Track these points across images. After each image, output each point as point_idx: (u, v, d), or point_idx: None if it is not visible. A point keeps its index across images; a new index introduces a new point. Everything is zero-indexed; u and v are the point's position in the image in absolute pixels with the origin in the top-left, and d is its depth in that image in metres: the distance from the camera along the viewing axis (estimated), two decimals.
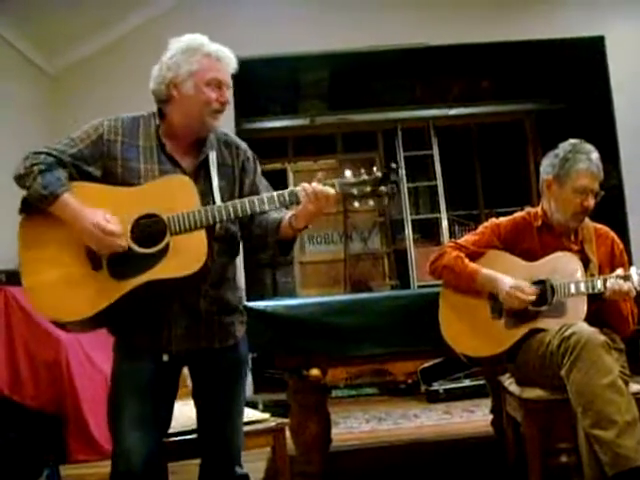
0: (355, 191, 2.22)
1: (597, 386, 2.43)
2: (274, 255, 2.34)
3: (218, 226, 2.21)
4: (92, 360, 4.48)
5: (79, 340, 4.44)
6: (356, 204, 2.28)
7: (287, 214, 2.27)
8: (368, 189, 2.22)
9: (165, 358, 2.24)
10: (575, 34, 6.47)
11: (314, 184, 2.17)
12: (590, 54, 6.59)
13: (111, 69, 5.90)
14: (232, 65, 2.29)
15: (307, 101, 7.88)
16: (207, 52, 2.24)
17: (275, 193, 2.21)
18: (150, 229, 2.14)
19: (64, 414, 4.31)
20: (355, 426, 5.18)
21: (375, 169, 2.24)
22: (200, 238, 2.13)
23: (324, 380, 3.34)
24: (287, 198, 2.19)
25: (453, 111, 7.95)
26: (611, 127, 6.46)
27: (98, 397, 4.18)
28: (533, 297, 2.76)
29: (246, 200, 2.18)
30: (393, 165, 2.29)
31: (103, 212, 2.10)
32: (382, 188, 2.23)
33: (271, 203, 2.18)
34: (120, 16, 5.90)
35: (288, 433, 3.11)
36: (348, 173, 2.25)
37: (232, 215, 2.16)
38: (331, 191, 2.17)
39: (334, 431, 3.62)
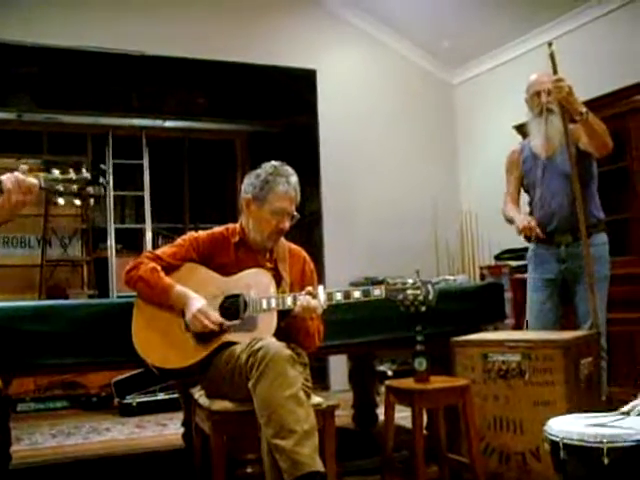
0: (61, 188, 2.16)
1: (280, 397, 2.53)
2: None
3: None
4: None
5: None
6: (60, 201, 2.21)
7: None
8: (75, 187, 2.17)
9: None
10: (293, 64, 6.81)
11: (17, 174, 2.06)
12: (304, 85, 6.97)
13: None
14: None
15: (15, 95, 7.39)
16: None
17: None
18: None
19: None
20: (40, 442, 4.92)
21: (85, 170, 2.20)
22: None
23: (6, 392, 3.15)
24: None
25: (167, 123, 7.97)
26: (315, 154, 6.87)
27: None
28: (214, 327, 2.81)
29: None
30: (103, 166, 2.26)
31: None
32: (89, 189, 2.20)
33: None
34: None
35: None
36: (56, 171, 2.18)
37: None
38: (34, 181, 2.08)
39: (16, 448, 3.43)
